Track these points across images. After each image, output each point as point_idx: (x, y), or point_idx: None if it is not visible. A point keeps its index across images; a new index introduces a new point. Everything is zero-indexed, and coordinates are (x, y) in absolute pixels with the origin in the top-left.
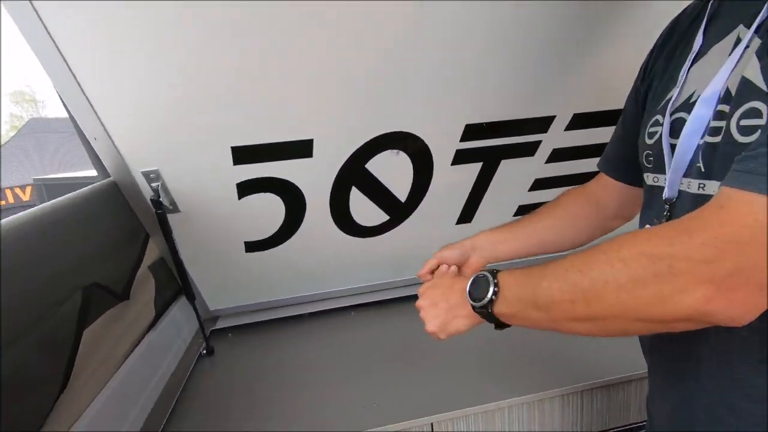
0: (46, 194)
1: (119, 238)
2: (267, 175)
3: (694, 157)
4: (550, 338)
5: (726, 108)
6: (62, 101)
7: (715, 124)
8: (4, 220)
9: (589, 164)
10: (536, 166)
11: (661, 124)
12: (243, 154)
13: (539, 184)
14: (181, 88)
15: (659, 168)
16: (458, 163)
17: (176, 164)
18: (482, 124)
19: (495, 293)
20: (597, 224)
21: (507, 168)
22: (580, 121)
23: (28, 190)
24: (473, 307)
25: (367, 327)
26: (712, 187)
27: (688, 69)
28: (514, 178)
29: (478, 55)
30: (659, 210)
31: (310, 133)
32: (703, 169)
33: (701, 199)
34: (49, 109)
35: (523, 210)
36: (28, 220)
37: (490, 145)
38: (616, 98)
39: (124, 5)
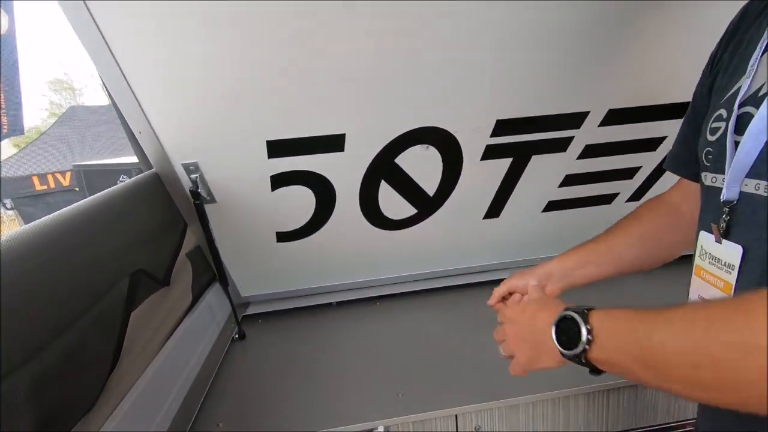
0: (84, 180)
1: (160, 226)
2: (300, 169)
3: (759, 156)
4: None
5: None
6: (110, 97)
7: None
8: (63, 210)
9: (623, 161)
10: (568, 161)
11: (725, 119)
12: (277, 148)
13: (570, 180)
14: (221, 85)
15: (719, 167)
16: (488, 158)
17: (214, 157)
18: (514, 119)
19: (589, 341)
20: (682, 237)
21: (537, 163)
22: (615, 117)
23: (68, 175)
24: (563, 354)
25: (392, 318)
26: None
27: (759, 58)
28: (544, 174)
29: (510, 51)
30: (716, 213)
31: (342, 128)
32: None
33: (758, 202)
34: (86, 96)
35: (553, 206)
36: (83, 210)
37: (521, 140)
38: (652, 94)
39: (169, 6)
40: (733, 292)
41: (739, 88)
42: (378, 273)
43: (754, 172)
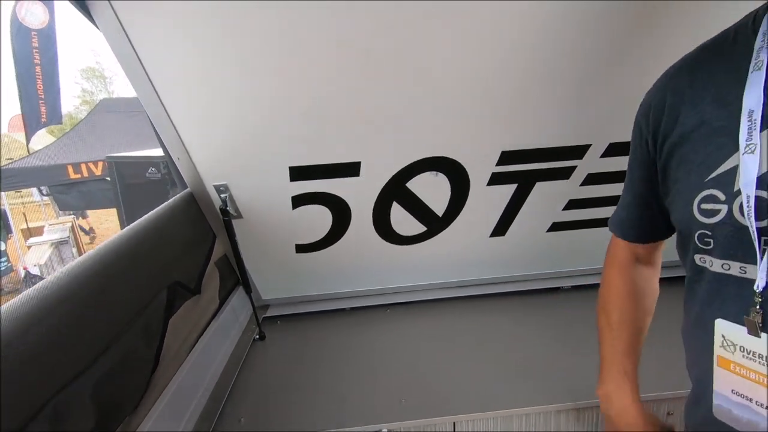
0: (116, 170)
1: (193, 240)
2: (318, 191)
3: None
4: (572, 352)
5: None
6: (153, 127)
7: None
8: (114, 236)
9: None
10: (571, 188)
11: (724, 202)
12: (299, 173)
13: (573, 204)
14: (251, 118)
15: (733, 254)
16: (494, 184)
17: (242, 179)
18: (518, 150)
19: None
20: (655, 285)
21: (541, 189)
22: (616, 150)
23: (100, 165)
24: None
25: (400, 325)
26: None
27: (758, 131)
28: (548, 198)
29: (516, 86)
30: (740, 302)
31: (358, 156)
32: None
33: None
34: (116, 84)
35: (557, 227)
36: (132, 235)
37: (526, 169)
38: None
39: (210, 42)
40: None
41: (735, 167)
42: (389, 282)
43: None
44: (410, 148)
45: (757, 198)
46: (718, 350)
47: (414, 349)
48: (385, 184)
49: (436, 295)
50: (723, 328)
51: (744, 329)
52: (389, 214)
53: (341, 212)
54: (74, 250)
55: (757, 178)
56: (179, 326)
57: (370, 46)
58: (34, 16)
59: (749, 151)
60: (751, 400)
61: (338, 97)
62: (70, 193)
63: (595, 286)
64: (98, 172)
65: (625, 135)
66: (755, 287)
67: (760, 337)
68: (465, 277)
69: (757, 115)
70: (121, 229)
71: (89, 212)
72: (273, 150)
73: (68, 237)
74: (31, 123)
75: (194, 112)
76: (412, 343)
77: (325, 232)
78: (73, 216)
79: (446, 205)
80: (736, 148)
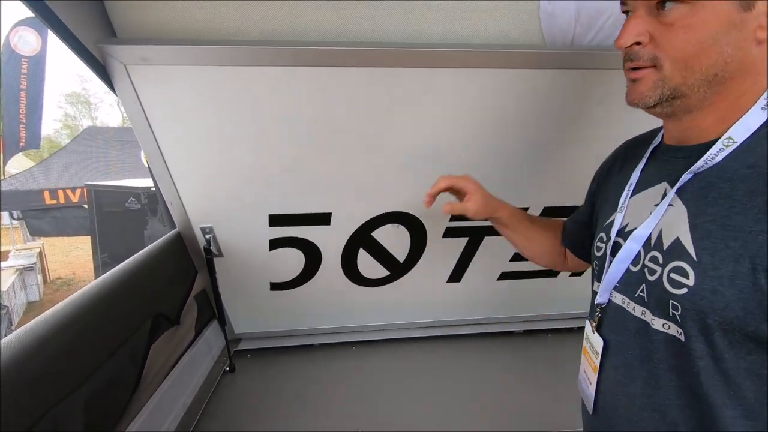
0: (95, 198)
1: (177, 275)
2: (294, 236)
3: (622, 276)
4: (525, 392)
5: (658, 256)
6: (152, 175)
7: (648, 264)
8: (108, 273)
9: None
10: None
11: (605, 242)
12: (277, 220)
13: (519, 257)
14: (237, 170)
15: (598, 277)
16: (448, 237)
17: (226, 222)
18: None
19: None
20: (553, 261)
21: (490, 242)
22: (550, 213)
23: (78, 192)
24: None
25: (364, 361)
26: (632, 306)
27: (628, 199)
28: (496, 250)
29: (468, 155)
30: (593, 313)
31: (330, 208)
32: (633, 293)
33: (622, 311)
34: (100, 111)
35: (506, 276)
36: (124, 271)
37: (475, 225)
38: (578, 196)
39: (208, 109)
40: (597, 373)
41: (613, 221)
42: (355, 321)
43: (619, 288)
44: (374, 203)
45: (615, 242)
46: (584, 342)
47: (376, 385)
48: (353, 233)
49: (398, 334)
50: (587, 326)
51: (591, 327)
52: (356, 258)
53: (313, 255)
54: (39, 277)
55: (617, 229)
56: (158, 353)
57: (341, 125)
58: (27, 44)
59: (623, 211)
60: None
61: (313, 158)
62: (44, 218)
63: (545, 331)
64: (75, 198)
65: (558, 201)
66: (596, 298)
67: (594, 334)
68: (425, 319)
69: (632, 187)
70: (93, 257)
71: (59, 240)
72: (255, 199)
73: (35, 263)
74: (9, 146)
75: (189, 166)
76: (374, 379)
77: (298, 273)
78: (41, 242)
79: (407, 252)
80: (616, 208)
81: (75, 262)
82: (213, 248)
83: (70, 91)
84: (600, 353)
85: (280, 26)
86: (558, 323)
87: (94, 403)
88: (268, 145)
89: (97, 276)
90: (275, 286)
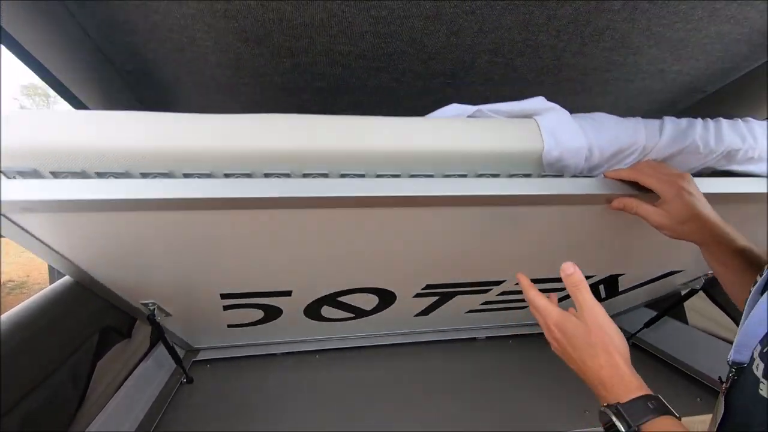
0: None
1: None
2: (251, 302)
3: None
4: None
5: None
6: None
7: None
8: (57, 283)
9: None
10: (487, 297)
11: None
12: (230, 297)
13: (488, 303)
14: (189, 254)
15: None
16: (418, 297)
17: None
18: (441, 284)
19: None
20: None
21: (461, 297)
22: None
23: None
24: None
25: (329, 370)
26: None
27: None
28: (466, 301)
29: (439, 233)
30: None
31: (289, 287)
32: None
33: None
34: (61, 105)
35: (473, 311)
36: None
37: (448, 290)
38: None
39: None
40: None
41: None
42: (318, 332)
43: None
44: (338, 281)
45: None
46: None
47: (340, 393)
48: (317, 298)
49: (362, 342)
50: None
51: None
52: (320, 311)
53: (272, 311)
54: None
55: None
56: (107, 369)
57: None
58: None
59: None
60: None
61: (272, 248)
62: None
63: (506, 338)
64: None
65: (532, 274)
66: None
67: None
68: (389, 331)
69: None
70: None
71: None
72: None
73: None
74: None
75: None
76: (338, 388)
77: (256, 319)
78: None
79: (374, 305)
80: None
81: (30, 264)
82: (158, 318)
83: (27, 83)
84: (719, 420)
85: None
86: (520, 329)
87: (29, 425)
88: (219, 227)
89: (52, 279)
90: (232, 325)
